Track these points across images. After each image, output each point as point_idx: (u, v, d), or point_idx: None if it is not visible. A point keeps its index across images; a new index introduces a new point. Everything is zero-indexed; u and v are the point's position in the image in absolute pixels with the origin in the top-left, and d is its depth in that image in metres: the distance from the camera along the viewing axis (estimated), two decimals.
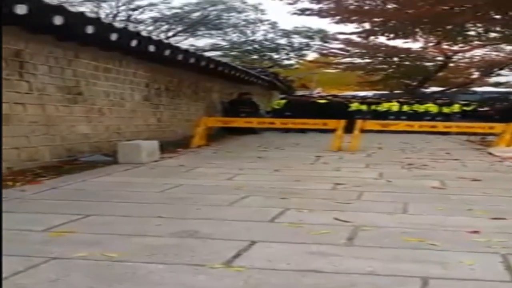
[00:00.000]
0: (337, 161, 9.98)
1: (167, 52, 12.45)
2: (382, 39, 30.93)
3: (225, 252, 3.40)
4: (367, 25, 19.62)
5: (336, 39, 34.44)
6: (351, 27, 25.12)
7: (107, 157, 9.41)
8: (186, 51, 14.03)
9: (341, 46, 34.10)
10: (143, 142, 9.65)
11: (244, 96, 19.14)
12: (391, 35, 22.12)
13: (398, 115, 23.33)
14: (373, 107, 23.19)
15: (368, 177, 7.65)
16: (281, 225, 4.34)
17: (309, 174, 7.87)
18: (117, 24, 11.54)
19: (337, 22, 19.92)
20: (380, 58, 34.45)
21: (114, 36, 9.90)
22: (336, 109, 20.91)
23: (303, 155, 11.11)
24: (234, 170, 8.23)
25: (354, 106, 22.81)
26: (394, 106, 23.64)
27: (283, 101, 22.30)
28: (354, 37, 32.32)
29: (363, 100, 24.03)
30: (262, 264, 3.16)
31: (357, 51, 33.95)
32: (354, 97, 26.28)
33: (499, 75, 36.39)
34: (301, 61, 39.02)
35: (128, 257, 3.27)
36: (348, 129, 13.21)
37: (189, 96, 16.10)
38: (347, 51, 34.31)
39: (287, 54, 38.12)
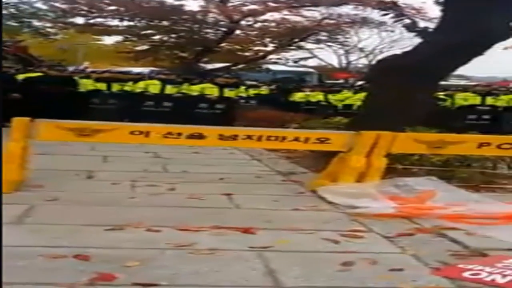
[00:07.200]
0: None
1: None
2: None
3: None
4: None
5: None
6: None
7: None
8: None
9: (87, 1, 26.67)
10: None
11: None
12: None
13: (159, 101, 16.52)
14: (115, 86, 15.91)
15: None
16: None
17: None
18: None
19: None
20: (143, 21, 27.50)
21: None
22: (52, 89, 13.58)
23: None
24: None
25: (88, 84, 15.41)
26: (153, 86, 16.65)
27: None
28: None
29: (99, 76, 16.57)
30: None
31: (112, 8, 26.60)
32: (94, 72, 18.81)
33: (300, 48, 31.19)
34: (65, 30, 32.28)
35: None
36: None
37: None
38: (99, 8, 26.87)
39: (50, 21, 31.11)
